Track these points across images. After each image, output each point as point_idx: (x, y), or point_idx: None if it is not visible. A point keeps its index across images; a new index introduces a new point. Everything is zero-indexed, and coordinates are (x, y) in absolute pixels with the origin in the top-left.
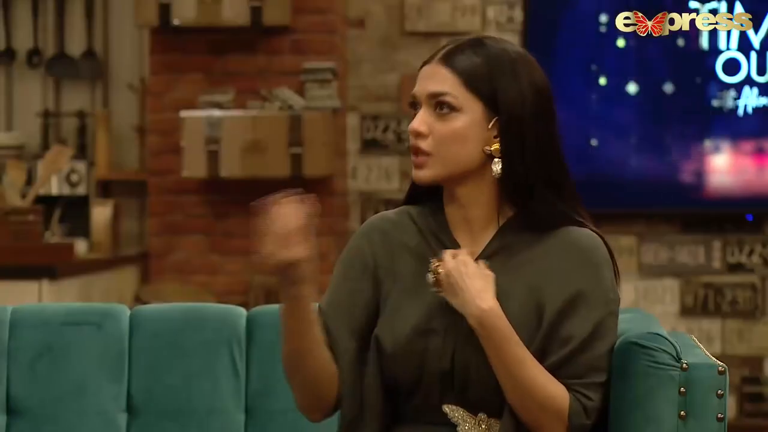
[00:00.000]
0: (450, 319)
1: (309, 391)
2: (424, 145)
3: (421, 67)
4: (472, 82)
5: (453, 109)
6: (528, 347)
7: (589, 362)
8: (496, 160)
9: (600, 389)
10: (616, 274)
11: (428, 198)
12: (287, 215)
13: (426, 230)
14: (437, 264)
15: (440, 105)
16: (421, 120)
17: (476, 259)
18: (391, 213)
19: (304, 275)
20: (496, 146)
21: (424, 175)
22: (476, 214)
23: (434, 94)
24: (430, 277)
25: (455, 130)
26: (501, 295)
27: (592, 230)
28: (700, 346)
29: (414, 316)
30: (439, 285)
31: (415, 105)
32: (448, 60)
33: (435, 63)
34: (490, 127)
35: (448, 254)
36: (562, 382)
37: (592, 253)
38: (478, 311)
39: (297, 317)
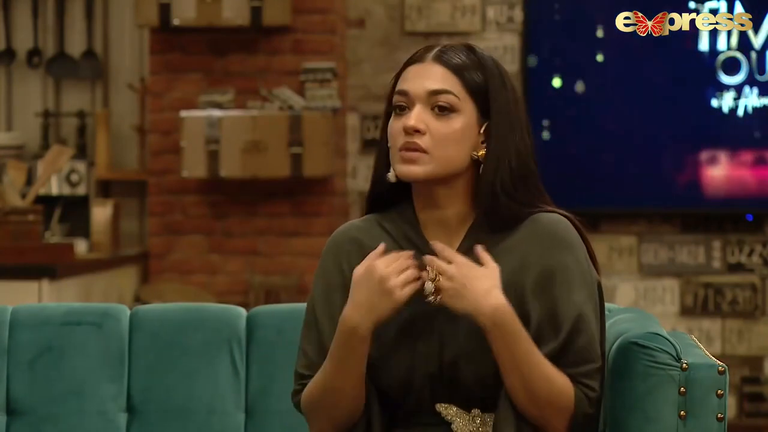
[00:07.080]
0: (433, 321)
1: (337, 424)
2: (421, 142)
3: (408, 65)
4: (469, 84)
5: (453, 109)
6: None
7: (581, 349)
8: (483, 165)
9: (597, 376)
10: (590, 251)
11: (390, 204)
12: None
13: (397, 234)
14: (433, 274)
15: (440, 103)
16: (419, 117)
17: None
18: (358, 221)
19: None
20: (482, 152)
21: (418, 171)
22: (451, 213)
23: (435, 92)
24: (430, 285)
25: (455, 131)
26: None
27: (560, 214)
28: (700, 346)
29: (397, 321)
30: (439, 293)
31: (402, 107)
32: (443, 59)
33: (430, 62)
34: (480, 132)
35: (440, 261)
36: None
37: (563, 236)
38: (491, 309)
39: (361, 356)
